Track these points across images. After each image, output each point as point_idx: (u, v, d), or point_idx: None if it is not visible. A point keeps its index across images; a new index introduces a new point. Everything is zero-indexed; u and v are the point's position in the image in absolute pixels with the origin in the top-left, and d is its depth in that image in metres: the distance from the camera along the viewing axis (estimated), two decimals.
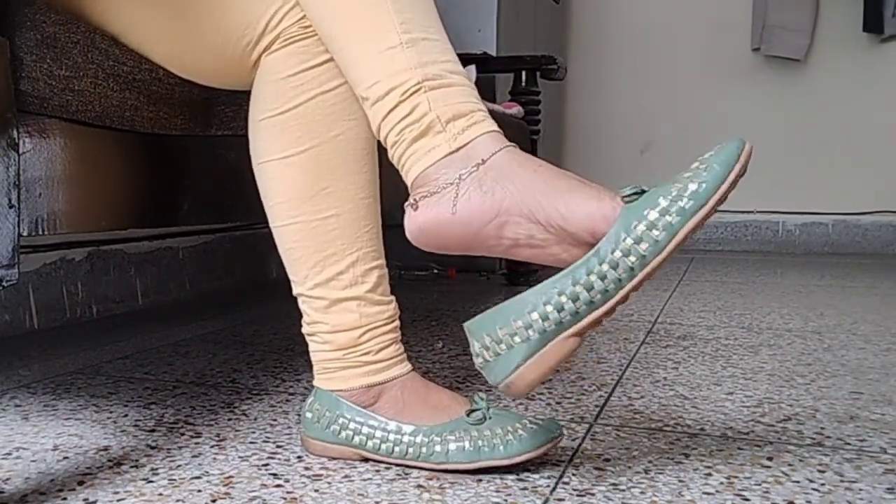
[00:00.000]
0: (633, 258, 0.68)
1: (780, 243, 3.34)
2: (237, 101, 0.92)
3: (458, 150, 0.73)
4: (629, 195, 0.70)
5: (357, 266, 0.83)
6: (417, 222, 0.75)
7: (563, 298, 0.70)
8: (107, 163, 0.82)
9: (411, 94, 0.72)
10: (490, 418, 0.81)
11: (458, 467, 0.80)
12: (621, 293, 0.69)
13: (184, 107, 0.89)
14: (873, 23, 3.10)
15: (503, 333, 0.72)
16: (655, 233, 0.68)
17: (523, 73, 2.20)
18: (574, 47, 3.52)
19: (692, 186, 0.68)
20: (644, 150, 3.44)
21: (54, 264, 1.63)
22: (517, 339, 0.71)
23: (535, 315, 0.71)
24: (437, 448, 0.80)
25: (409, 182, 0.75)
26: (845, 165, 3.23)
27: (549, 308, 0.70)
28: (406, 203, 0.76)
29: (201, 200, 0.95)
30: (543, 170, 0.73)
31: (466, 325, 0.75)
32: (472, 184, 0.72)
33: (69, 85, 0.75)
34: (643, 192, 0.70)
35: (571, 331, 0.71)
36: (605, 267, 0.69)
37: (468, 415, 0.81)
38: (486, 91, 2.27)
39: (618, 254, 0.68)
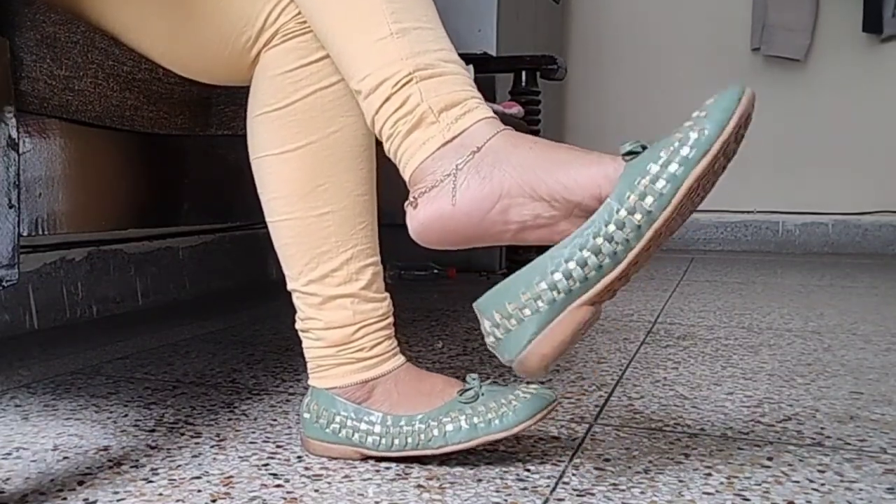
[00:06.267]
0: (638, 215, 0.65)
1: (780, 243, 3.34)
2: (237, 101, 0.92)
3: (452, 139, 0.71)
4: (629, 153, 0.67)
5: (351, 263, 0.83)
6: (419, 219, 0.73)
7: (572, 265, 0.67)
8: (107, 163, 0.82)
9: (403, 86, 0.71)
10: (483, 395, 0.81)
11: (457, 448, 0.80)
12: (631, 255, 0.67)
13: (184, 106, 0.89)
14: (873, 23, 3.10)
15: (512, 308, 0.70)
16: (660, 184, 0.65)
17: (523, 73, 2.19)
18: (574, 47, 3.52)
19: (693, 135, 0.65)
20: None
21: (54, 264, 1.63)
22: (527, 311, 0.69)
23: (543, 285, 0.68)
24: (435, 432, 0.80)
25: (406, 177, 0.74)
26: (845, 165, 3.23)
27: (558, 276, 0.68)
28: (406, 203, 0.75)
29: (201, 200, 0.95)
30: (539, 146, 0.71)
31: (476, 304, 0.73)
32: (470, 172, 0.70)
33: (69, 85, 0.75)
34: (644, 147, 0.67)
35: (583, 299, 0.68)
36: (611, 228, 0.66)
37: (460, 395, 0.81)
38: (486, 91, 2.25)
39: (623, 213, 0.65)
